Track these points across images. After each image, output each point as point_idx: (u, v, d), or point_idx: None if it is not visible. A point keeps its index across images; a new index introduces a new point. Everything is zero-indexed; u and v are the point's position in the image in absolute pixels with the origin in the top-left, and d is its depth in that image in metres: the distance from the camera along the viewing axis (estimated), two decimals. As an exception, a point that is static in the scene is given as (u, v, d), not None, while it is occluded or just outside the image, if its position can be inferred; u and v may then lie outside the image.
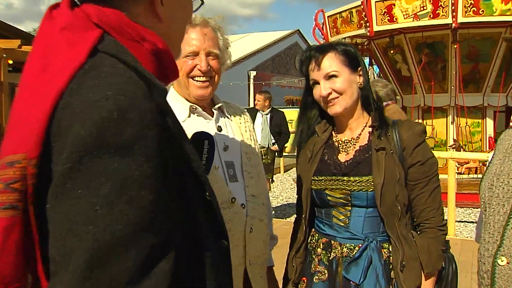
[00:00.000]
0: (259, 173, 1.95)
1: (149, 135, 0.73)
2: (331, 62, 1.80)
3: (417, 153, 1.78)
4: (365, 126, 1.88)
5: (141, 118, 0.73)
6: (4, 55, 9.63)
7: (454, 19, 8.86)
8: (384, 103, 5.05)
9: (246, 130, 2.03)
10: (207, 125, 1.84)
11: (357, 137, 1.87)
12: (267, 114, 7.71)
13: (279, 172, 12.74)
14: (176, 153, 0.85)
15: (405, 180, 1.76)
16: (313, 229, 1.94)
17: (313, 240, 1.91)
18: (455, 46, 9.38)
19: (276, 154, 7.95)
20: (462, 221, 8.07)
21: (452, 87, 10.35)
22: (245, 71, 26.48)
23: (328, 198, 1.83)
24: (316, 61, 1.82)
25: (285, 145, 7.89)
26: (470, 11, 8.67)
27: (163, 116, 0.82)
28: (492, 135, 10.43)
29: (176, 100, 1.84)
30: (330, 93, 1.80)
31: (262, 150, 7.69)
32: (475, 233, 2.03)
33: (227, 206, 1.76)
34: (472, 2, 8.57)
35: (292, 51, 31.09)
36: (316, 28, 11.81)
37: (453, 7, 8.75)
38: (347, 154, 1.85)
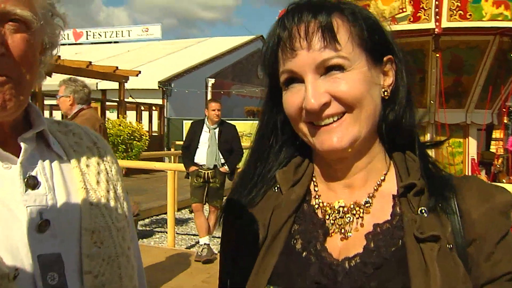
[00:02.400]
0: (123, 269, 1.05)
1: None
2: (334, 36, 0.92)
3: (502, 255, 0.89)
4: (383, 180, 1.00)
5: None
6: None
7: (437, 24, 8.11)
8: (78, 107, 4.67)
9: (100, 180, 1.12)
10: (2, 177, 0.97)
11: (366, 202, 0.98)
12: (215, 128, 6.58)
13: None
14: None
15: None
16: None
17: None
18: (437, 54, 8.61)
19: (227, 177, 6.80)
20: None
21: (432, 102, 9.63)
22: (203, 78, 25.53)
23: None
24: (300, 30, 0.93)
25: (238, 166, 6.77)
26: (456, 15, 7.92)
27: None
28: (475, 157, 9.73)
29: None
30: (326, 104, 0.92)
31: (209, 172, 6.57)
32: None
33: None
34: (459, 4, 7.82)
35: (254, 58, 30.28)
36: (280, 30, 10.90)
37: (436, 10, 7.99)
38: (347, 240, 0.96)
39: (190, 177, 6.93)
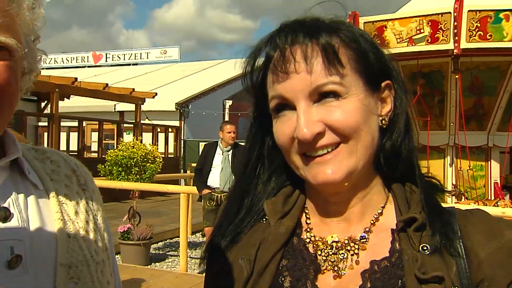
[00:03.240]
0: None
1: None
2: (329, 61, 0.85)
3: None
4: (380, 213, 0.93)
5: None
6: (57, 90, 12.21)
7: (456, 45, 7.99)
8: None
9: (78, 211, 1.06)
10: None
11: (362, 237, 0.92)
12: (228, 151, 6.54)
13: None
14: None
15: None
16: None
17: None
18: (457, 76, 8.48)
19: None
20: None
21: (451, 124, 9.47)
22: (220, 100, 25.64)
23: None
24: (296, 52, 0.86)
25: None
26: (475, 36, 7.80)
27: None
28: (498, 181, 9.47)
29: None
30: (320, 134, 0.85)
31: (222, 195, 6.50)
32: None
33: None
34: (479, 25, 7.71)
35: (272, 80, 30.35)
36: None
37: (455, 31, 7.89)
38: (340, 278, 0.88)
39: (202, 200, 6.87)
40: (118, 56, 39.20)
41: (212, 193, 6.65)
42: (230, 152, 6.59)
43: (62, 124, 14.72)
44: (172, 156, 19.75)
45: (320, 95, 0.85)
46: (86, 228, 1.04)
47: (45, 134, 13.57)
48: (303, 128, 0.84)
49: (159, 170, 8.58)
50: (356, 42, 0.88)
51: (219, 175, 6.53)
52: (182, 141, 20.94)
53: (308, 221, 0.97)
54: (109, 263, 1.07)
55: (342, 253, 0.90)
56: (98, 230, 1.07)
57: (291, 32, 0.88)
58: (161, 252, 9.39)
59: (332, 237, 0.92)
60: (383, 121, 0.91)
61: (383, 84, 0.91)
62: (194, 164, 16.76)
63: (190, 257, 8.47)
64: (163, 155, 14.39)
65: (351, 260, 0.89)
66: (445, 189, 0.98)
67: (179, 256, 8.00)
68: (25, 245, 0.92)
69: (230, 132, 6.58)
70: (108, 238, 1.11)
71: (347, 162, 0.86)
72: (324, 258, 0.91)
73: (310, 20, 0.91)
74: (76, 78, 13.55)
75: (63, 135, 15.78)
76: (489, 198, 9.21)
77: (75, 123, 17.02)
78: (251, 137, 1.01)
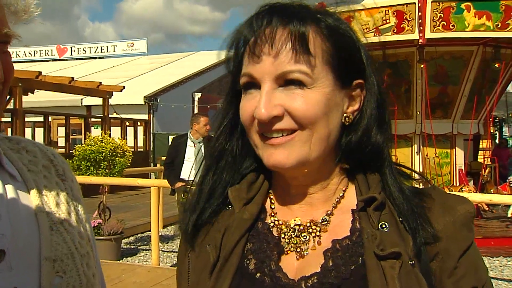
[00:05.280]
0: None
1: None
2: (301, 47, 0.86)
3: (466, 270, 0.88)
4: (342, 197, 0.96)
5: None
6: (20, 84, 11.87)
7: (421, 35, 8.20)
8: None
9: (59, 202, 1.03)
10: None
11: (323, 219, 0.94)
12: (200, 143, 6.55)
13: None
14: None
15: None
16: None
17: None
18: (422, 65, 8.68)
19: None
20: None
21: (418, 113, 9.71)
22: (189, 93, 25.47)
23: None
24: (267, 36, 0.87)
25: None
26: (439, 26, 8.00)
27: None
28: (463, 167, 9.77)
29: None
30: (277, 117, 0.87)
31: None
32: None
33: None
34: (442, 15, 7.91)
35: (241, 72, 30.33)
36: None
37: (420, 21, 8.07)
38: (303, 258, 0.91)
39: (176, 194, 6.85)
40: (83, 49, 38.37)
41: (186, 185, 6.64)
42: (202, 144, 6.60)
43: (27, 119, 14.35)
44: (142, 149, 19.55)
45: (286, 81, 0.86)
46: (68, 219, 1.02)
47: (9, 130, 13.24)
48: (261, 108, 0.85)
49: (129, 164, 8.50)
50: (335, 36, 0.88)
51: (191, 167, 6.53)
52: (151, 134, 20.75)
53: (273, 206, 0.99)
54: (93, 255, 1.06)
55: (305, 235, 0.93)
56: (80, 221, 1.06)
57: (267, 15, 0.88)
58: (132, 246, 9.33)
59: (294, 220, 0.94)
60: (347, 119, 0.92)
61: (354, 83, 0.91)
62: (164, 158, 16.69)
63: (162, 250, 8.45)
64: (133, 149, 14.25)
65: (314, 241, 0.92)
66: (411, 177, 0.99)
67: (151, 250, 7.97)
68: (7, 239, 0.89)
69: (206, 125, 6.60)
70: (90, 229, 1.10)
71: (299, 150, 0.88)
72: (287, 240, 0.93)
73: (290, 6, 0.91)
74: (40, 72, 13.21)
75: (28, 131, 15.42)
76: (454, 184, 9.50)
77: (41, 118, 16.66)
78: (224, 113, 1.00)
